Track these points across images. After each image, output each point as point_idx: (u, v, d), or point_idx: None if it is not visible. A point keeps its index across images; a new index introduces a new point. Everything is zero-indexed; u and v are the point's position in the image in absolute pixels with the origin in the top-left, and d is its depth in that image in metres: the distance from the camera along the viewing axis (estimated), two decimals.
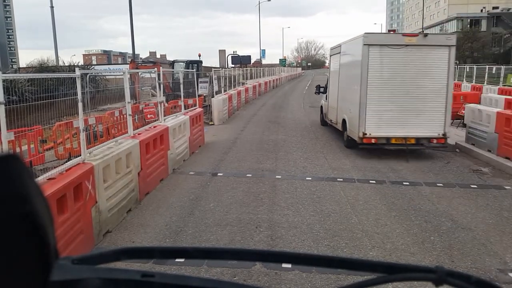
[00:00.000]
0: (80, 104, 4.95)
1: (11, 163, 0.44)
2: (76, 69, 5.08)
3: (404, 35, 9.41)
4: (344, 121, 10.45)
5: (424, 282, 0.56)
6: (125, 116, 7.11)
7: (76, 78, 4.90)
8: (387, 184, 7.04)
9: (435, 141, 9.01)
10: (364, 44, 8.94)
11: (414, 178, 7.39)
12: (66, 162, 5.14)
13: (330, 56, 13.53)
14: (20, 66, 46.50)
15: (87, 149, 5.13)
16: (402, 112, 8.95)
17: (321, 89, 13.90)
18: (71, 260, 0.55)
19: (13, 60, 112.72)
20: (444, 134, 8.96)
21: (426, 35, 9.46)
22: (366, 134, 9.00)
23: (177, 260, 3.83)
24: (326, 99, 13.34)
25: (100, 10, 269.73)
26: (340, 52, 11.46)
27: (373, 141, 9.01)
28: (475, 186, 6.90)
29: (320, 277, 3.84)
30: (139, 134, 6.89)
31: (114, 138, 6.77)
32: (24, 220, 0.44)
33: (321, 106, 14.18)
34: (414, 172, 7.83)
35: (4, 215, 0.43)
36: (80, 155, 4.97)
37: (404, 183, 7.10)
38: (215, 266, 4.02)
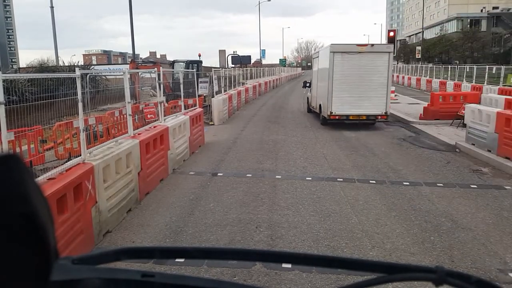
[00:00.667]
0: (80, 104, 4.95)
1: (11, 163, 0.44)
2: (76, 69, 5.07)
3: (358, 45, 12.75)
4: (320, 105, 14.20)
5: (424, 282, 0.56)
6: (125, 116, 7.10)
7: (76, 78, 4.90)
8: (387, 184, 7.04)
9: (379, 117, 12.85)
10: (331, 52, 12.64)
11: (414, 178, 7.39)
12: (66, 162, 5.14)
13: (313, 59, 17.95)
14: (20, 66, 46.54)
15: (87, 149, 5.13)
16: (357, 97, 12.64)
17: (307, 84, 18.00)
18: (71, 260, 0.55)
19: (13, 60, 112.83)
20: (386, 112, 12.74)
21: (372, 45, 12.85)
22: (332, 112, 12.79)
23: (177, 260, 3.83)
24: (310, 91, 17.30)
25: (100, 10, 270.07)
26: (318, 57, 15.51)
27: (337, 117, 12.86)
28: (475, 186, 6.90)
29: (320, 277, 3.84)
30: (139, 134, 6.89)
31: (114, 138, 6.76)
32: (24, 220, 0.44)
33: (307, 98, 18.26)
34: (414, 172, 7.83)
35: (4, 215, 0.43)
36: (80, 155, 4.97)
37: (404, 183, 7.09)
38: (215, 266, 4.02)
